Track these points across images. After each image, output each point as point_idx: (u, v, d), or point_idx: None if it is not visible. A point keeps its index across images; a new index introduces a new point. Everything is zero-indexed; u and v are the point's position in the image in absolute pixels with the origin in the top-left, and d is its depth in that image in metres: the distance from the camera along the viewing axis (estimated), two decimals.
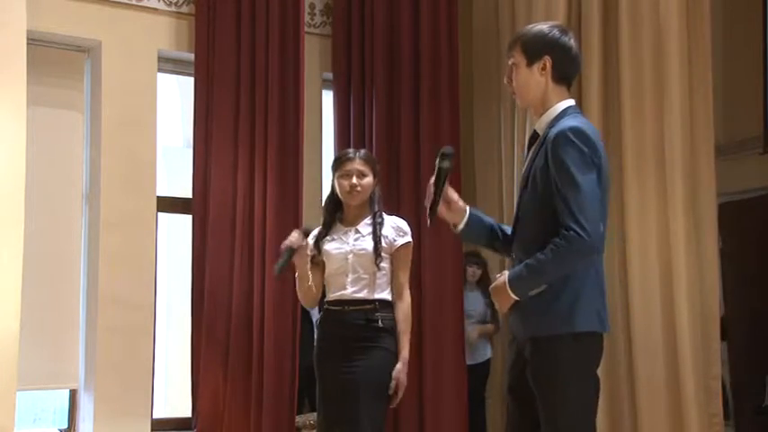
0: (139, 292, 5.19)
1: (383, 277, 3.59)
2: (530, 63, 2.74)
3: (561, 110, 2.75)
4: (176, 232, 6.14)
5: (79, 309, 5.22)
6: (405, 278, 3.63)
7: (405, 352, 3.53)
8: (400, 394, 3.53)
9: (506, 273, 2.73)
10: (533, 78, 2.75)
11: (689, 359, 4.56)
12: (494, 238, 2.94)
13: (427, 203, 2.80)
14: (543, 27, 2.81)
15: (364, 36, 5.77)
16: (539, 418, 2.74)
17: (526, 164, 2.82)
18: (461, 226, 2.86)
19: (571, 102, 2.80)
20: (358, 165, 3.65)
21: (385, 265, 3.59)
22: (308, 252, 3.61)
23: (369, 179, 3.65)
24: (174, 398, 6.21)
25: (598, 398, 2.79)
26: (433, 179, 2.79)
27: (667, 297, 4.67)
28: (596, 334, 2.77)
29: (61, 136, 5.28)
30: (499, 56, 5.76)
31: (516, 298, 2.69)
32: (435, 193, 2.78)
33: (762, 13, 5.92)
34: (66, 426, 5.26)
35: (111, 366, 5.07)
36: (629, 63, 4.86)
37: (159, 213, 5.47)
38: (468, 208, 2.88)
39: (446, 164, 2.76)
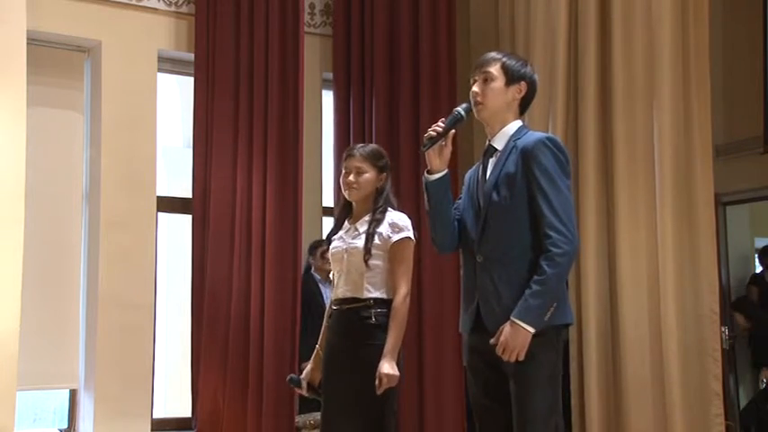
0: (139, 292, 5.20)
1: (377, 275, 3.54)
2: (509, 83, 2.97)
3: (518, 127, 3.00)
4: (176, 232, 6.14)
5: (79, 309, 5.23)
6: (400, 274, 3.54)
7: (386, 347, 3.44)
8: (385, 385, 3.41)
9: (505, 326, 2.76)
10: (507, 97, 2.97)
11: (675, 359, 4.56)
12: (451, 215, 3.04)
13: (429, 134, 2.94)
14: (518, 59, 3.06)
15: (364, 36, 5.77)
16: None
17: (489, 171, 2.97)
18: (439, 175, 2.98)
19: (521, 121, 3.04)
20: (356, 161, 3.62)
21: (377, 262, 3.54)
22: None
23: (368, 175, 3.61)
24: (174, 398, 6.20)
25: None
26: (444, 119, 2.97)
27: (655, 298, 4.68)
28: (569, 325, 2.96)
29: (61, 136, 5.28)
30: None
31: (534, 330, 2.75)
32: (444, 129, 2.94)
33: (762, 13, 5.93)
34: (66, 426, 5.26)
35: (111, 366, 5.07)
36: (622, 64, 4.86)
37: (159, 213, 5.48)
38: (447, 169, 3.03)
39: (463, 113, 2.97)
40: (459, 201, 3.11)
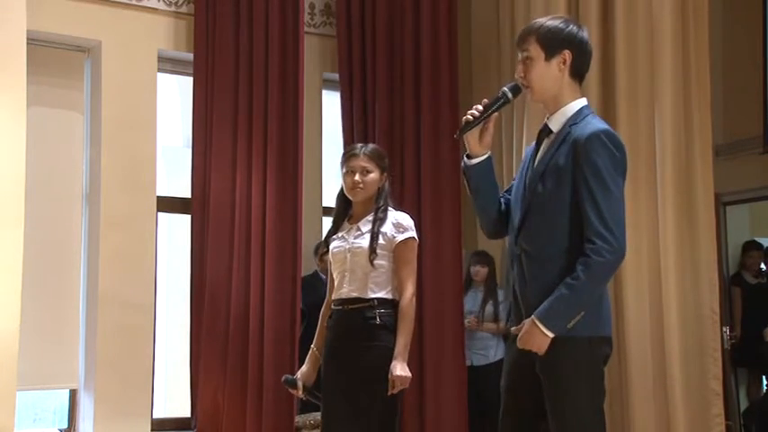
0: (139, 292, 5.19)
1: (382, 275, 3.52)
2: (548, 57, 2.68)
3: (578, 108, 2.72)
4: (176, 232, 6.14)
5: (79, 309, 5.22)
6: (406, 275, 3.52)
7: (397, 348, 3.43)
8: (398, 387, 3.41)
9: (527, 321, 2.61)
10: (551, 73, 2.69)
11: (677, 360, 4.56)
12: (495, 201, 2.85)
13: (466, 118, 2.73)
14: (559, 21, 2.74)
15: (365, 36, 5.77)
16: (536, 419, 2.71)
17: (539, 157, 2.73)
18: (478, 160, 2.76)
19: (585, 100, 2.76)
20: (362, 161, 3.59)
21: (382, 262, 3.52)
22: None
23: (373, 175, 3.59)
24: (174, 398, 6.20)
25: (604, 401, 2.76)
26: (487, 100, 2.74)
27: (656, 298, 4.67)
28: (608, 338, 2.73)
29: (61, 136, 5.28)
30: (499, 55, 5.77)
31: (552, 335, 2.56)
32: (482, 113, 2.72)
33: (762, 13, 5.93)
34: (66, 426, 5.26)
35: (111, 366, 5.07)
36: (624, 64, 4.86)
37: (159, 213, 5.48)
38: (490, 153, 2.81)
39: (510, 95, 2.73)
40: (514, 182, 2.86)
